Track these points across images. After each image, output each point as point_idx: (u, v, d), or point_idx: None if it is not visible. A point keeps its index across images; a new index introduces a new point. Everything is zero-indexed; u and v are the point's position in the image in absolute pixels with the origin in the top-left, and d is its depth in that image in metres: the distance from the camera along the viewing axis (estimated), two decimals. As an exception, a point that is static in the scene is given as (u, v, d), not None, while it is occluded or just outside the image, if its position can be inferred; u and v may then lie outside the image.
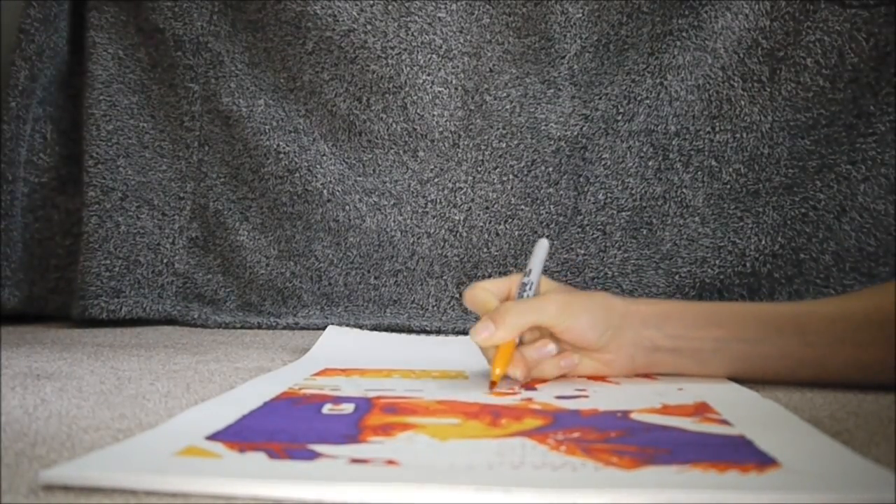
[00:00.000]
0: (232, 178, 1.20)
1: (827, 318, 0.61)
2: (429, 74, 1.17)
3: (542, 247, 0.66)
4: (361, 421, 0.48)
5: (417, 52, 1.17)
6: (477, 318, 0.61)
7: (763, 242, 1.09)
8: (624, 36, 1.16)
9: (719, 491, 0.34)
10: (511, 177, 1.15)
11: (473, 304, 0.63)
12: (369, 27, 1.17)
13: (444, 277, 1.15)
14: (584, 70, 1.16)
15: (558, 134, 1.15)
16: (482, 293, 0.63)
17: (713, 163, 1.12)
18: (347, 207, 1.17)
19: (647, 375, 0.64)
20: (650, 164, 1.13)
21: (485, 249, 1.15)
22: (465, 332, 1.06)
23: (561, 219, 1.14)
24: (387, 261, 1.16)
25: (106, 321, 1.12)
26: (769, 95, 1.11)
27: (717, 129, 1.12)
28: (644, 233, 1.12)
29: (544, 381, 0.62)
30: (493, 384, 0.59)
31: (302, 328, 1.11)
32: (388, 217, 1.17)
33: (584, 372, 0.63)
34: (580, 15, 1.16)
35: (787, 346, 0.61)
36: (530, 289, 0.63)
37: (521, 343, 0.62)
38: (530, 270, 0.64)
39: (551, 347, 0.62)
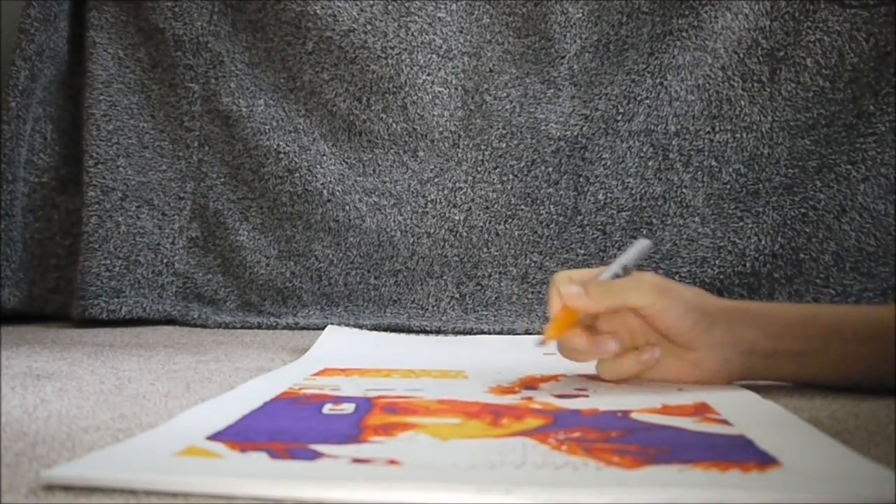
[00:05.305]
0: (232, 178, 1.20)
1: None
2: (429, 74, 1.17)
3: (640, 246, 0.61)
4: (362, 421, 0.48)
5: (417, 52, 1.17)
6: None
7: (763, 242, 1.09)
8: (624, 36, 1.16)
9: (721, 490, 0.34)
10: (511, 177, 1.15)
11: (552, 287, 0.59)
12: (369, 27, 1.17)
13: (444, 277, 1.15)
14: (584, 70, 1.16)
15: (558, 134, 1.15)
16: (562, 277, 0.58)
17: (713, 163, 1.12)
18: (347, 207, 1.17)
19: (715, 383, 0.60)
20: (650, 164, 1.13)
21: (485, 249, 1.15)
22: (465, 332, 1.06)
23: (561, 219, 1.14)
24: (387, 261, 1.16)
25: (106, 321, 1.12)
26: (769, 95, 1.11)
27: (717, 129, 1.12)
28: (644, 233, 1.12)
29: (622, 380, 0.60)
30: (543, 341, 0.56)
31: (302, 328, 1.11)
32: (388, 217, 1.17)
33: (667, 372, 0.59)
34: (580, 15, 1.16)
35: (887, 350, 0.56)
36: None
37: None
38: (625, 266, 0.59)
39: (656, 351, 0.58)
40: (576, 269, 0.61)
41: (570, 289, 0.56)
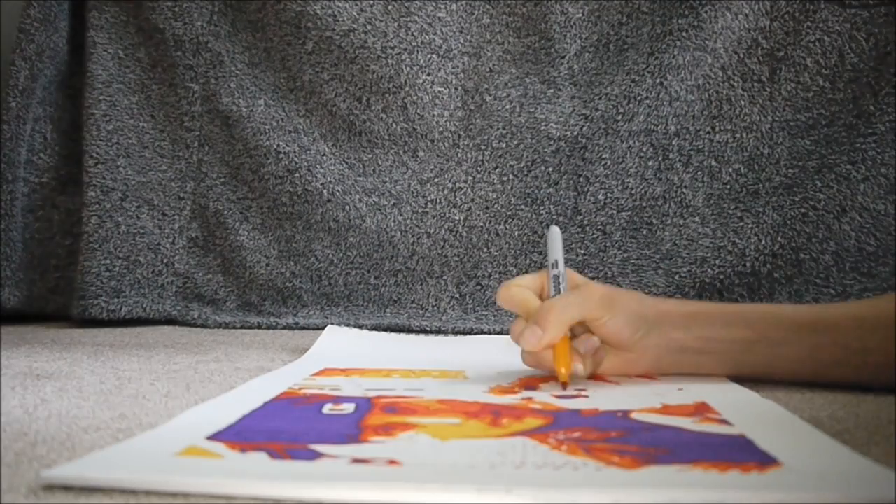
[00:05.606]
0: (232, 178, 1.20)
1: (858, 318, 0.60)
2: (429, 74, 1.17)
3: (555, 235, 0.65)
4: (362, 421, 0.48)
5: (417, 52, 1.17)
6: (509, 316, 0.60)
7: (763, 242, 1.09)
8: (624, 36, 1.16)
9: (721, 490, 0.34)
10: (511, 177, 1.15)
11: (510, 303, 0.62)
12: (369, 27, 1.17)
13: (444, 277, 1.15)
14: (584, 70, 1.16)
15: (558, 134, 1.15)
16: (519, 291, 0.61)
17: (713, 163, 1.12)
18: (347, 207, 1.17)
19: (647, 376, 0.64)
20: (650, 164, 1.13)
21: (485, 249, 1.15)
22: (464, 332, 1.06)
23: (561, 219, 1.14)
24: (387, 261, 1.16)
25: (106, 321, 1.12)
26: (769, 95, 1.11)
27: (717, 129, 1.12)
28: (644, 233, 1.12)
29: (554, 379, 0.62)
30: (564, 385, 0.58)
31: (302, 328, 1.11)
32: (388, 217, 1.17)
33: (607, 368, 0.62)
34: (580, 15, 1.16)
35: (818, 346, 0.60)
36: (563, 281, 0.62)
37: (572, 337, 0.61)
38: (556, 262, 0.63)
39: (595, 340, 0.61)
40: (522, 277, 0.63)
41: (529, 338, 0.58)
